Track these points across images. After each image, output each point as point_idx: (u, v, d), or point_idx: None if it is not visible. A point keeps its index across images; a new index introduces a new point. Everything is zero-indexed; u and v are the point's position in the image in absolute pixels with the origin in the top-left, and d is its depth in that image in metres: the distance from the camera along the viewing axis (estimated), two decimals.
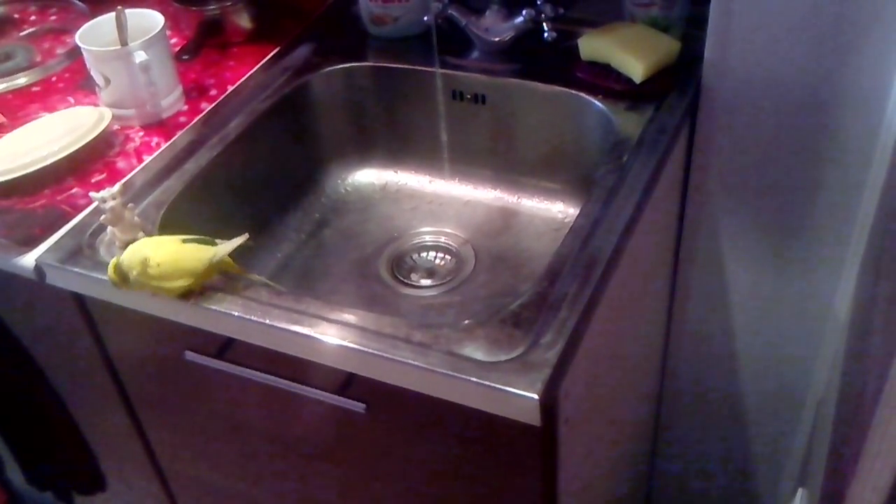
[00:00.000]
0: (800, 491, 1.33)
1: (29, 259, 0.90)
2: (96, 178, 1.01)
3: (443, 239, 1.14)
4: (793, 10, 0.92)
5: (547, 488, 0.81)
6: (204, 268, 0.81)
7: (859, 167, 1.01)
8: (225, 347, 0.87)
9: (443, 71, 1.14)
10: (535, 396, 0.70)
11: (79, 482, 1.28)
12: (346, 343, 0.77)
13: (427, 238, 1.15)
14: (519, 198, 1.17)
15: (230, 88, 1.14)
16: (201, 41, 1.23)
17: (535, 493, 0.81)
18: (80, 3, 1.33)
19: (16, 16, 1.36)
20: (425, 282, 1.09)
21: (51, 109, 1.13)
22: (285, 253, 1.12)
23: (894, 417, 0.62)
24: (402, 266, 1.11)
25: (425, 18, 1.16)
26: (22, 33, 1.32)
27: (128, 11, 1.09)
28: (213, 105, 1.11)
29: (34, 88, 1.19)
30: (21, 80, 1.19)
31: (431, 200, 1.20)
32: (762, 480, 1.39)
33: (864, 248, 1.05)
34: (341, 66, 1.17)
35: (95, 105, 1.11)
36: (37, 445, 1.24)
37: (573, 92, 1.06)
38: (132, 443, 1.10)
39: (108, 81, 1.06)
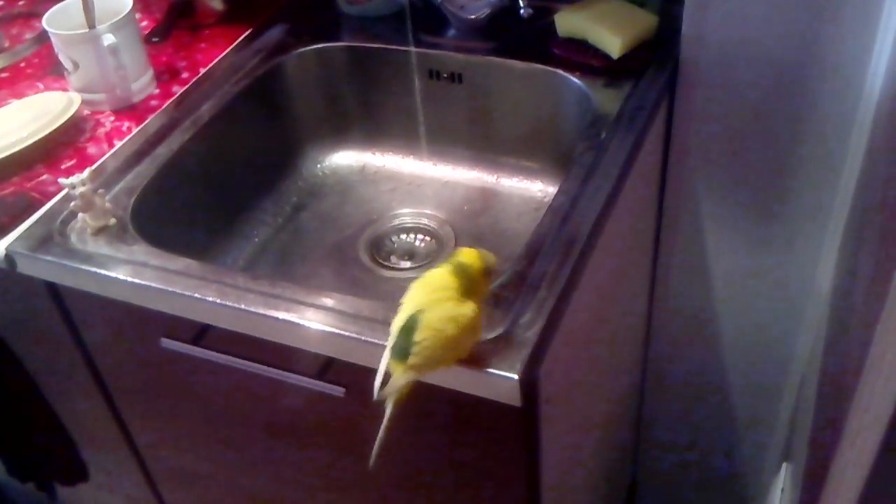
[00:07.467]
0: (784, 465, 1.34)
1: None
2: (66, 164, 0.99)
3: (422, 220, 1.13)
4: None
5: (529, 468, 0.81)
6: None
7: (839, 139, 1.00)
8: (201, 334, 0.86)
9: (418, 50, 1.12)
10: (515, 377, 0.70)
11: (60, 472, 1.27)
12: (323, 327, 0.76)
13: (406, 220, 1.14)
14: (498, 177, 1.16)
15: (202, 71, 1.12)
16: (172, 23, 1.21)
17: (518, 473, 0.81)
18: None
19: None
20: (405, 264, 1.08)
21: (19, 95, 1.11)
22: (262, 238, 1.11)
23: (876, 392, 0.62)
24: (381, 248, 1.10)
25: None
26: None
27: None
28: (184, 88, 1.09)
29: (2, 74, 1.17)
30: None
31: (410, 182, 1.18)
32: (747, 456, 1.39)
33: (845, 222, 1.05)
34: (315, 46, 1.15)
35: (65, 90, 1.09)
36: (16, 436, 1.23)
37: (550, 69, 1.05)
38: (111, 431, 1.09)
39: (76, 66, 1.04)
